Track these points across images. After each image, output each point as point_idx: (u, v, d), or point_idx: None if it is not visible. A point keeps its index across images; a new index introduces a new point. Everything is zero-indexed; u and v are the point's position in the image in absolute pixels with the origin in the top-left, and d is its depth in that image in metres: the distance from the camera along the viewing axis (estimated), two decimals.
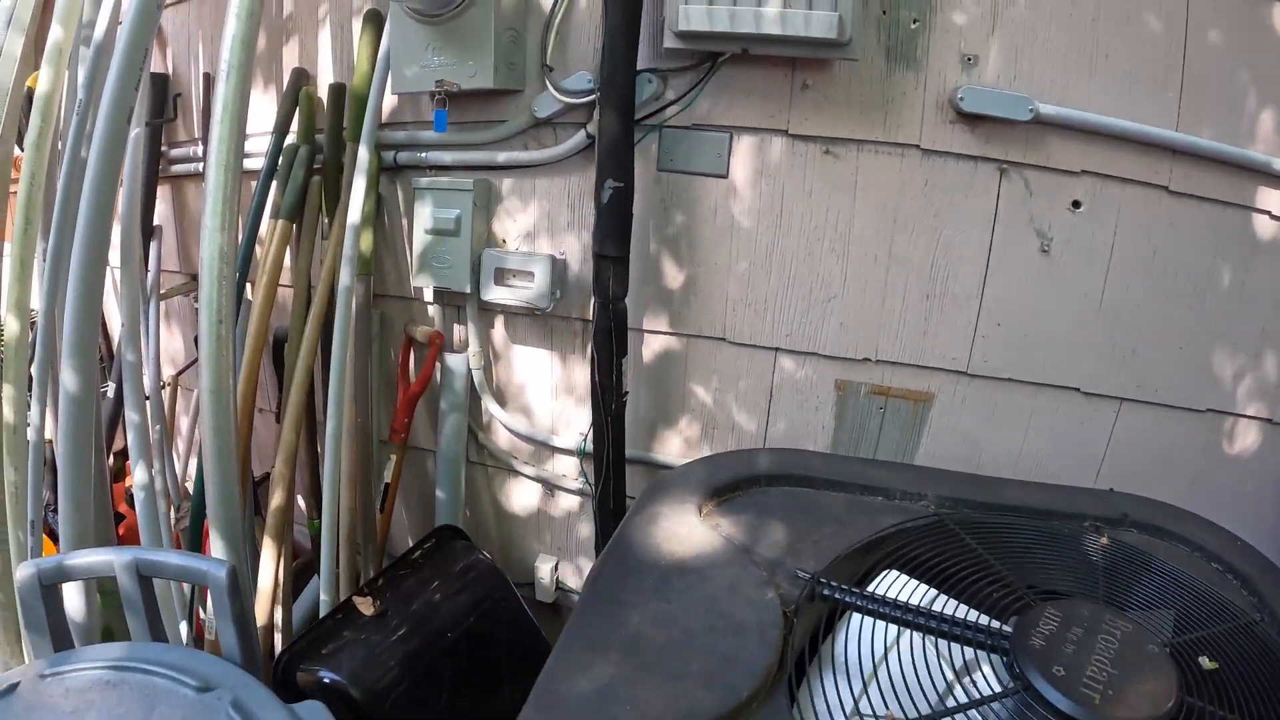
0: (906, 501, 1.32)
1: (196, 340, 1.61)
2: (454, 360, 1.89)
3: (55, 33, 1.88)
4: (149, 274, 2.47)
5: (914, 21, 1.43)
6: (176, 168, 2.49)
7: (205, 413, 1.57)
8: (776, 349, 1.68)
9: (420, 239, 1.80)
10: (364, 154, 1.75)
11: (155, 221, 2.55)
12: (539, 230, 1.79)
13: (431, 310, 1.94)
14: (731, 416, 1.78)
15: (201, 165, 2.36)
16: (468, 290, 1.79)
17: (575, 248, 1.77)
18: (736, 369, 1.73)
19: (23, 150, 1.96)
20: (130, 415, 2.01)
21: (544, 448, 1.97)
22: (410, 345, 1.99)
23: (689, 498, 1.33)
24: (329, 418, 1.75)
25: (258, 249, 2.07)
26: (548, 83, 1.64)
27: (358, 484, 1.94)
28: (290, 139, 2.03)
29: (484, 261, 1.76)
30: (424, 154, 1.84)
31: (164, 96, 2.47)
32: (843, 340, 1.63)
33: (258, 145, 2.09)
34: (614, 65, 1.52)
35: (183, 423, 2.82)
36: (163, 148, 2.51)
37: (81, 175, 1.71)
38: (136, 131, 2.16)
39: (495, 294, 1.75)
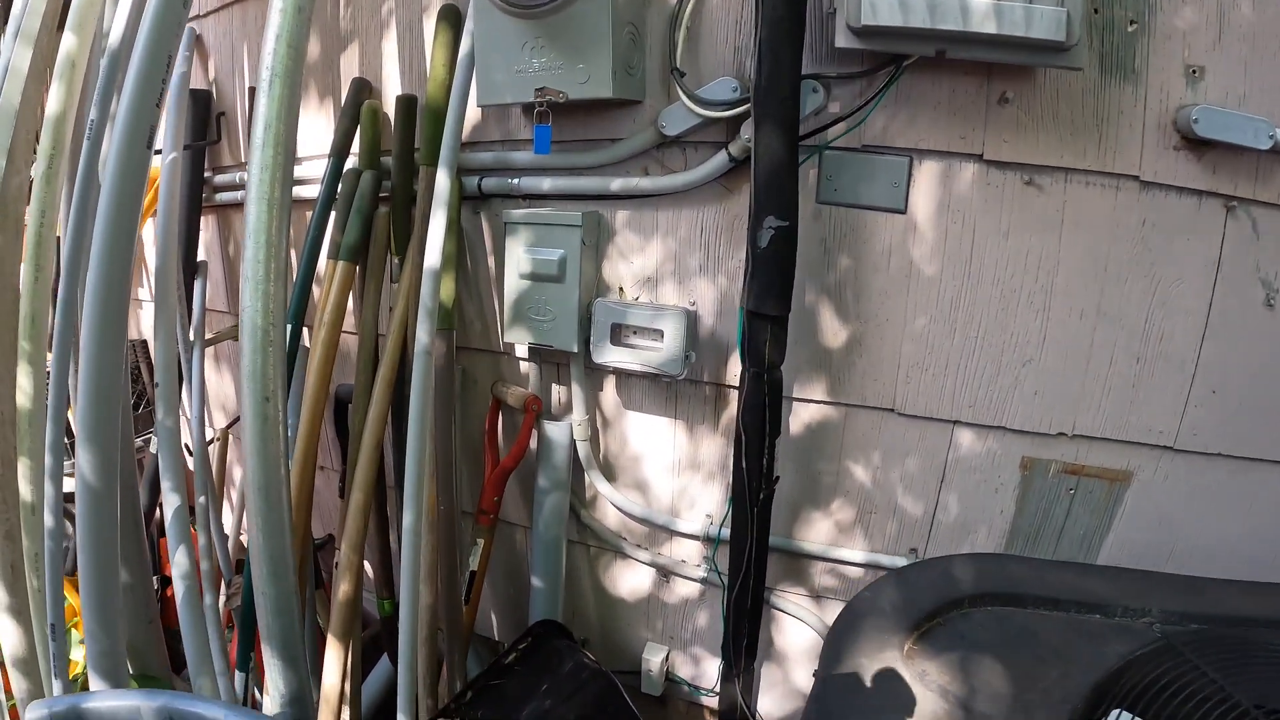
0: (1128, 619, 1.18)
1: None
2: (554, 430, 1.55)
3: (68, 42, 1.58)
4: (193, 316, 2.19)
5: (1131, 23, 1.13)
6: (222, 196, 2.19)
7: (252, 516, 1.27)
8: (955, 422, 1.35)
9: (513, 285, 1.46)
10: (443, 180, 1.41)
11: (200, 256, 2.27)
12: (663, 275, 1.44)
13: (525, 367, 1.60)
14: (894, 499, 1.43)
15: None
16: (575, 350, 1.44)
17: (708, 297, 1.41)
18: (905, 444, 1.39)
19: None
20: (168, 492, 1.70)
21: (661, 531, 1.62)
22: (499, 409, 1.65)
23: (888, 635, 1.14)
24: (405, 510, 1.42)
25: (316, 290, 1.76)
26: (680, 91, 1.28)
27: (439, 575, 1.62)
28: (351, 162, 1.71)
29: (596, 314, 1.41)
30: (515, 180, 1.49)
31: (206, 116, 2.17)
32: (1035, 411, 1.32)
33: (312, 170, 1.78)
34: (775, 68, 1.16)
35: (236, 472, 2.55)
36: (206, 173, 2.22)
37: (94, 213, 1.41)
38: (174, 156, 1.86)
39: (612, 355, 1.40)
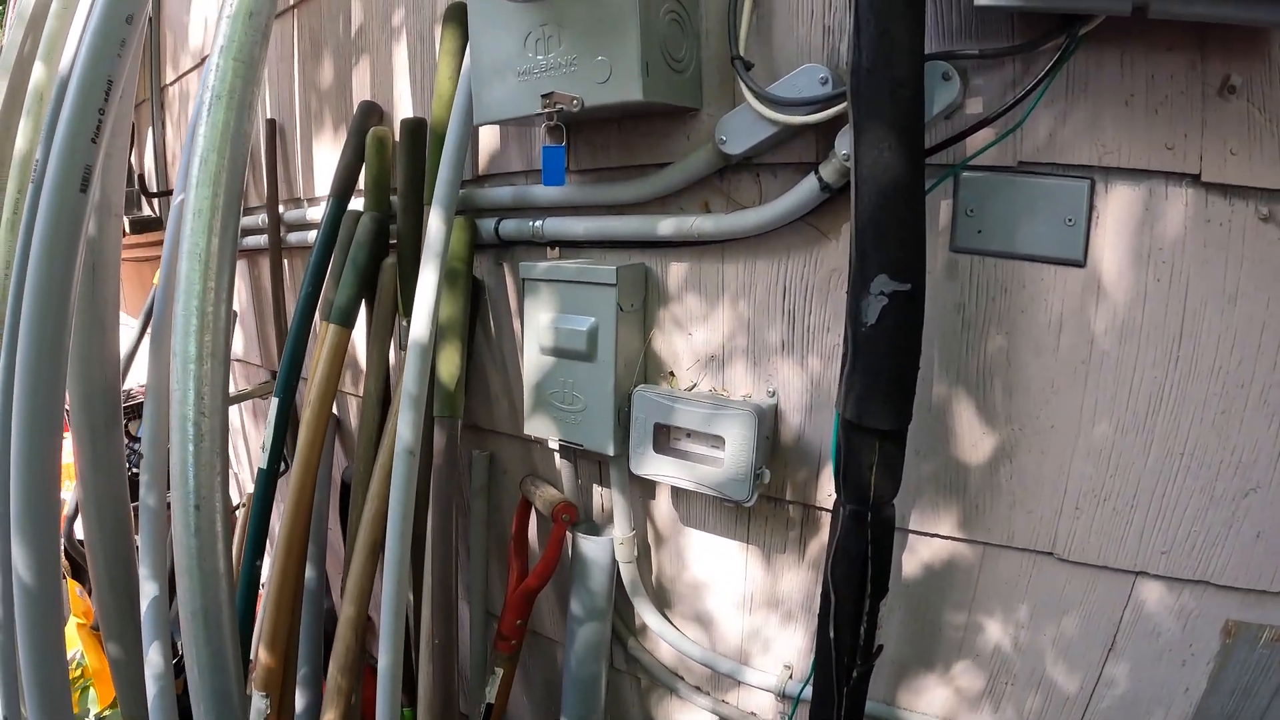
0: None
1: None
2: (591, 547, 1.18)
3: (36, 74, 1.37)
4: None
5: None
6: (247, 240, 1.96)
7: (189, 646, 1.00)
8: (1138, 572, 0.90)
9: (534, 362, 1.11)
10: (436, 225, 1.08)
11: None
12: (731, 354, 1.04)
13: (560, 462, 1.24)
14: (1040, 667, 0.99)
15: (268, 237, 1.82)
16: (610, 452, 1.07)
17: (794, 385, 1.01)
18: (1063, 599, 0.95)
19: None
20: (145, 579, 1.44)
21: (727, 677, 1.22)
22: (529, 510, 1.30)
23: None
24: (381, 651, 1.09)
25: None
26: (744, 87, 0.90)
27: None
28: (359, 202, 1.41)
29: (636, 409, 1.03)
30: (538, 222, 1.14)
31: None
32: (1253, 560, 0.86)
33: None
34: (885, 45, 0.76)
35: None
36: None
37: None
38: (180, 199, 1.63)
39: (655, 467, 1.02)
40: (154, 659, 1.40)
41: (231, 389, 2.11)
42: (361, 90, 1.49)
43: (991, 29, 0.84)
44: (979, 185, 0.89)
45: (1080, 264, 0.86)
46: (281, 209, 1.79)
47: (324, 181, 1.65)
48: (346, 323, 1.27)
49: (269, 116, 1.79)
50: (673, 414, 0.98)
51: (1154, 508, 0.87)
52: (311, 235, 1.63)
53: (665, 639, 1.24)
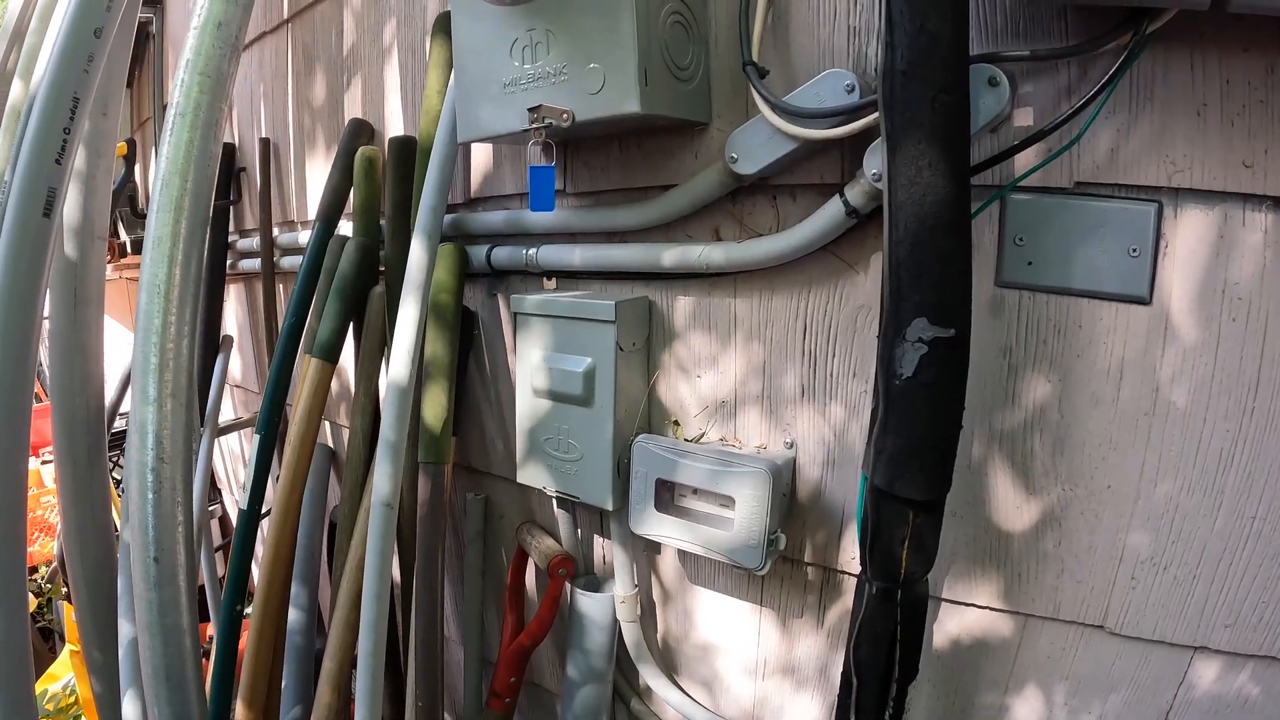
0: None
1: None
2: (590, 605, 1.08)
3: (15, 91, 1.30)
4: (210, 398, 1.88)
5: None
6: (245, 263, 1.89)
7: (152, 706, 0.91)
8: (1198, 648, 0.79)
9: (527, 405, 1.00)
10: (418, 254, 0.99)
11: (225, 330, 1.97)
12: (743, 399, 0.93)
13: (558, 511, 1.13)
14: None
15: (262, 260, 1.74)
16: (609, 507, 0.96)
17: (813, 434, 0.90)
18: (1112, 676, 0.84)
19: None
20: (122, 621, 1.34)
21: None
22: (525, 560, 1.20)
23: None
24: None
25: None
26: (759, 99, 0.80)
27: None
28: (347, 226, 1.33)
29: (636, 459, 0.92)
30: (532, 250, 1.05)
31: (229, 172, 1.88)
32: None
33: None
34: (923, 44, 0.65)
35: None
36: (231, 236, 1.93)
37: None
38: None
39: (657, 527, 0.91)
40: (129, 708, 1.32)
41: (228, 415, 2.04)
42: (353, 107, 1.41)
43: (1043, 27, 0.74)
44: (1029, 209, 0.78)
45: (1145, 301, 0.74)
46: (275, 231, 1.71)
47: (317, 202, 1.57)
48: (330, 357, 1.18)
49: (263, 135, 1.71)
50: (677, 469, 0.87)
51: (1219, 576, 0.76)
52: None
53: (670, 703, 1.13)
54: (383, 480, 0.93)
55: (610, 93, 0.79)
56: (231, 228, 1.93)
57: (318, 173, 1.55)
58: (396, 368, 0.94)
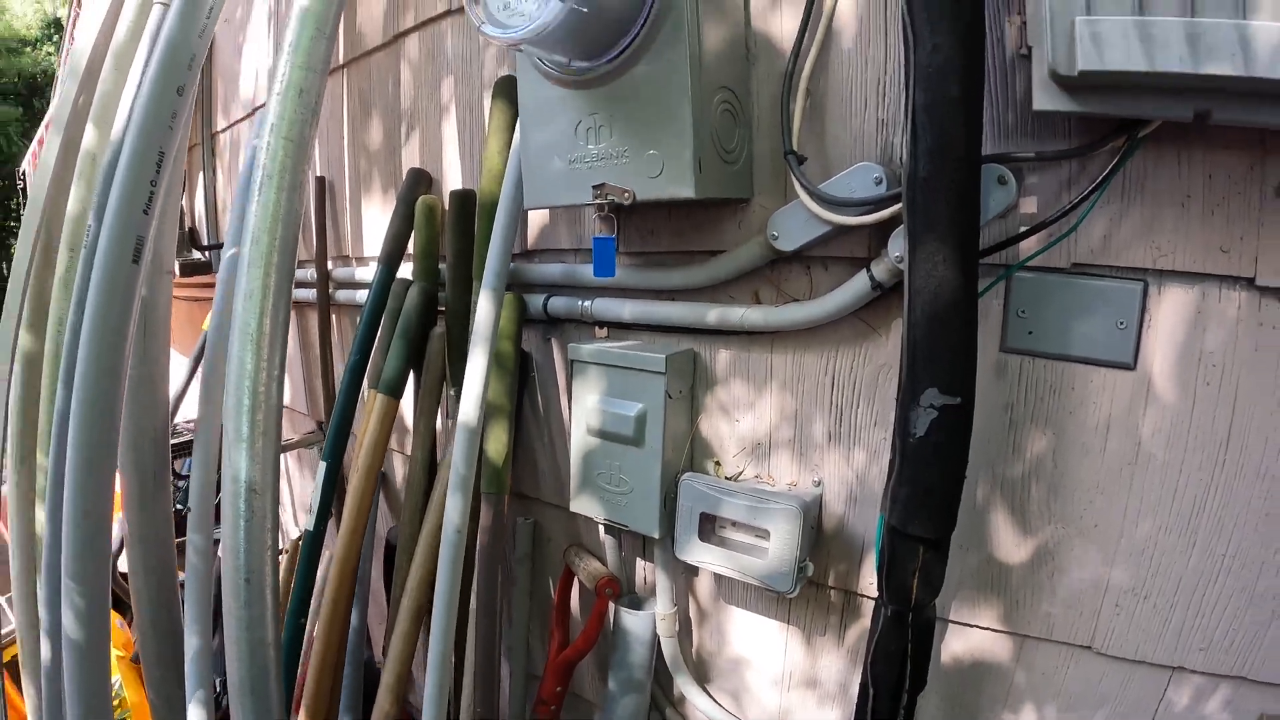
0: None
1: None
2: (633, 621, 1.19)
3: (88, 137, 1.42)
4: None
5: None
6: (299, 293, 2.00)
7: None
8: (1176, 668, 0.90)
9: (581, 442, 1.12)
10: (485, 309, 1.11)
11: None
12: (777, 443, 1.05)
13: (605, 537, 1.25)
14: None
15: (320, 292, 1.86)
16: (656, 535, 1.08)
17: (839, 476, 1.01)
18: (1098, 694, 0.94)
19: None
20: (189, 633, 1.45)
21: None
22: (572, 579, 1.32)
23: None
24: None
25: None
26: (797, 185, 0.92)
27: None
28: (408, 269, 1.45)
29: (683, 495, 1.04)
30: (587, 302, 1.17)
31: None
32: None
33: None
34: (940, 147, 0.77)
35: None
36: None
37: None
38: (232, 253, 1.68)
39: (699, 554, 1.03)
40: (194, 715, 1.43)
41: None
42: (410, 154, 1.53)
43: (1048, 130, 0.85)
44: (1032, 286, 0.89)
45: (1130, 367, 0.86)
46: (330, 265, 1.83)
47: (371, 240, 1.69)
48: (395, 393, 1.30)
49: (319, 174, 1.83)
50: (719, 505, 0.99)
51: (1194, 605, 0.86)
52: (359, 295, 1.66)
53: (702, 710, 1.24)
54: (453, 511, 1.05)
55: (667, 177, 0.90)
56: None
57: (374, 212, 1.67)
58: (466, 410, 1.06)
